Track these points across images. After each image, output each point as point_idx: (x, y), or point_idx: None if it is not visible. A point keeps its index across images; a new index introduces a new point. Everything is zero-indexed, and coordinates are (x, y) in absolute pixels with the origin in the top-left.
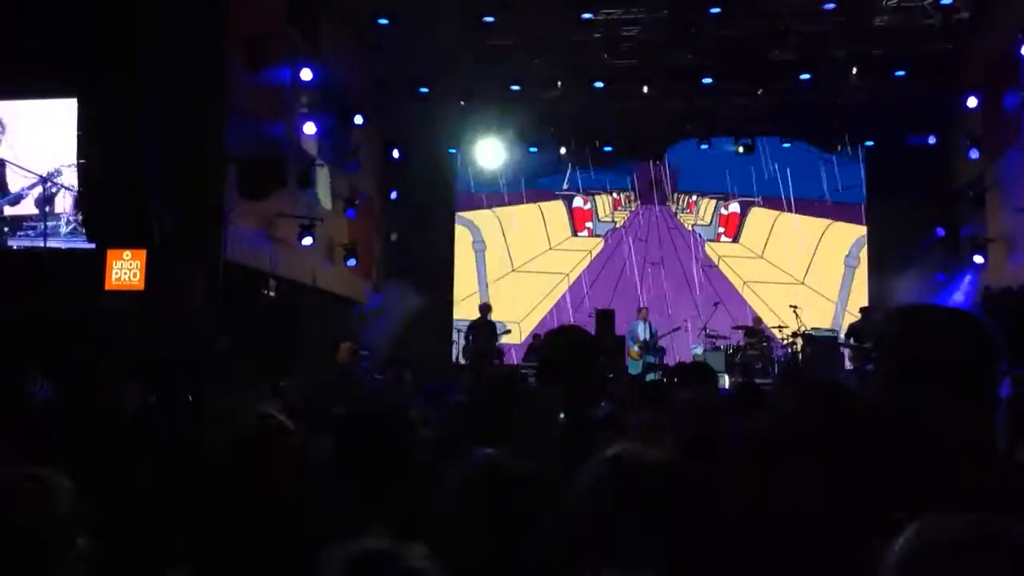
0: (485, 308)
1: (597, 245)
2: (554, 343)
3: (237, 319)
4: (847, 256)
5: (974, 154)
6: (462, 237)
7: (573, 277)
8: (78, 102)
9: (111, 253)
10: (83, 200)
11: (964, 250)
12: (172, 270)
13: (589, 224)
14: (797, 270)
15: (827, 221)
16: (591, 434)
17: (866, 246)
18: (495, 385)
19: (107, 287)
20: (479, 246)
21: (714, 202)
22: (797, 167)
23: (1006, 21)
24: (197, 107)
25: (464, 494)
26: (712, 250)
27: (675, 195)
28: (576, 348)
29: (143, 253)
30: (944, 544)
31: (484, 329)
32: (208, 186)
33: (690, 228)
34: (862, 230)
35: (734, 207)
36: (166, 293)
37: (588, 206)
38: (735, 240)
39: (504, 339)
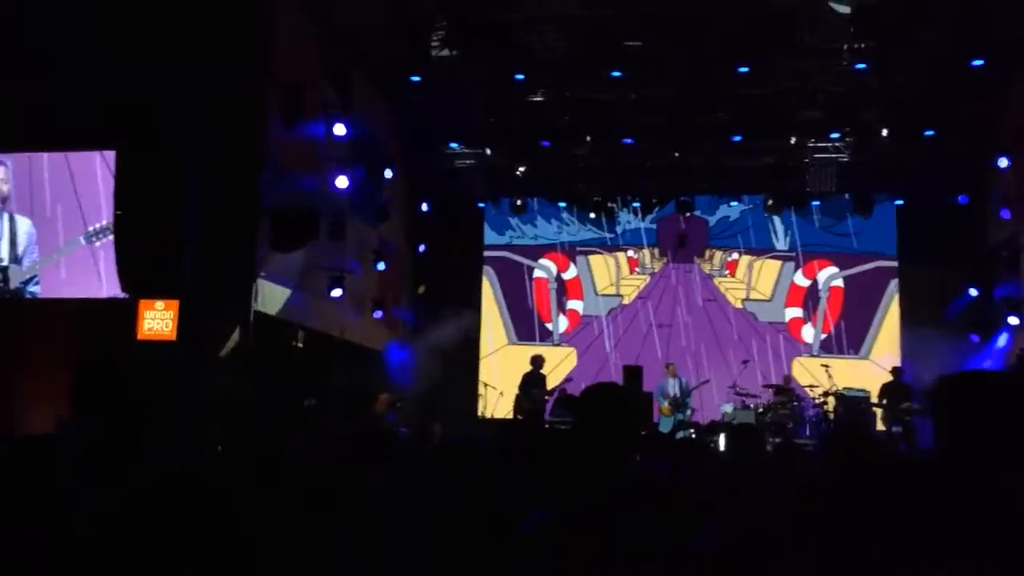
0: (539, 360)
1: (644, 282)
2: (591, 399)
3: (266, 370)
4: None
5: (1006, 214)
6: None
7: (595, 340)
8: (116, 154)
9: (143, 303)
10: (119, 250)
11: (998, 311)
12: (204, 320)
13: (638, 269)
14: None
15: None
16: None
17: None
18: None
19: (139, 336)
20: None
21: (721, 253)
22: (826, 224)
23: None
24: (234, 159)
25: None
26: (736, 300)
27: (705, 251)
28: (613, 404)
29: (175, 303)
30: None
31: (537, 382)
32: (241, 237)
33: (708, 272)
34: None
35: (734, 255)
36: (197, 343)
37: (637, 256)
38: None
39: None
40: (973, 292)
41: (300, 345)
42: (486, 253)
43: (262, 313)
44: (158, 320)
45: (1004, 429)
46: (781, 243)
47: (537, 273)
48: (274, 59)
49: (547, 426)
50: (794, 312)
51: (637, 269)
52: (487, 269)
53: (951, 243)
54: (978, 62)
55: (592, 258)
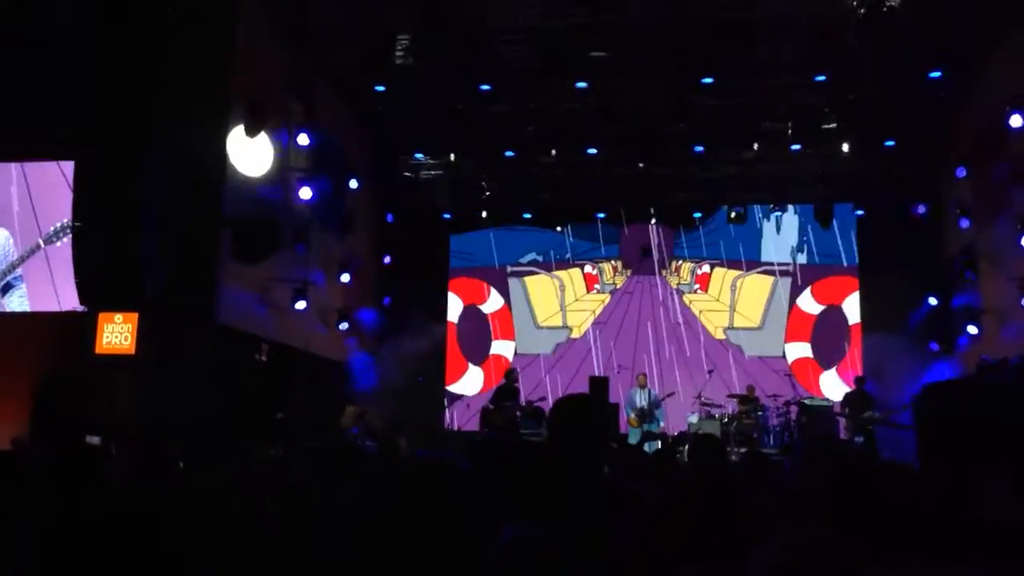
0: (513, 374)
1: (605, 300)
2: (564, 411)
3: (229, 383)
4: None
5: (964, 224)
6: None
7: (562, 352)
8: (75, 164)
9: (102, 316)
10: (77, 262)
11: (957, 320)
12: (164, 333)
13: (597, 286)
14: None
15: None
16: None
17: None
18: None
19: (98, 350)
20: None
21: (691, 264)
22: (789, 234)
23: (994, 93)
24: (195, 170)
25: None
26: (715, 328)
27: (671, 263)
28: (585, 416)
29: (135, 316)
30: None
31: (510, 396)
32: (202, 249)
33: (675, 286)
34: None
35: (705, 268)
36: (157, 357)
37: (595, 271)
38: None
39: None
40: (933, 301)
41: (264, 358)
42: (452, 265)
43: (224, 326)
44: (117, 334)
45: (986, 436)
46: (744, 254)
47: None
48: (236, 69)
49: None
50: (801, 350)
51: (596, 286)
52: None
53: (911, 252)
54: (936, 74)
55: (529, 281)
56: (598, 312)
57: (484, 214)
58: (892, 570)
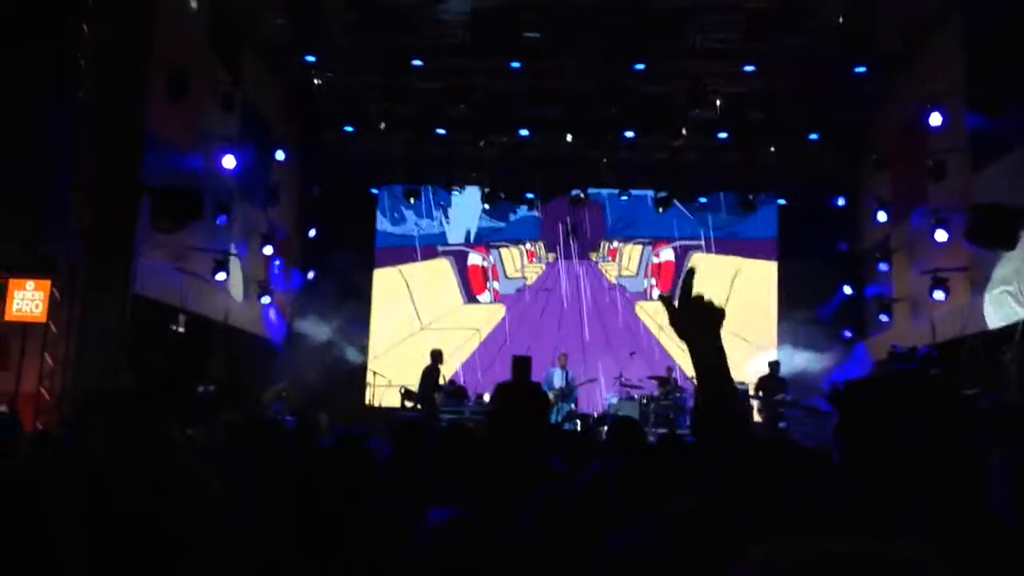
0: (437, 355)
1: (540, 270)
2: (505, 395)
3: (144, 354)
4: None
5: (882, 216)
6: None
7: (487, 330)
8: None
9: (12, 282)
10: None
11: (870, 309)
12: (77, 302)
13: (496, 284)
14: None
15: (740, 260)
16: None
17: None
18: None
19: (7, 317)
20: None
21: (640, 248)
22: (713, 219)
23: (915, 91)
24: (112, 133)
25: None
26: (611, 276)
27: (599, 243)
28: (526, 401)
29: (47, 283)
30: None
31: (434, 376)
32: (119, 216)
33: (614, 280)
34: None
35: (667, 255)
36: (70, 326)
37: (533, 248)
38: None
39: None
40: (847, 290)
41: (181, 330)
42: (378, 242)
43: (141, 296)
44: (28, 301)
45: (902, 427)
46: (669, 234)
47: (471, 262)
48: (159, 32)
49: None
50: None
51: (535, 259)
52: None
53: (828, 242)
54: (860, 69)
55: (502, 250)
56: (539, 273)
57: (412, 191)
58: (774, 545)
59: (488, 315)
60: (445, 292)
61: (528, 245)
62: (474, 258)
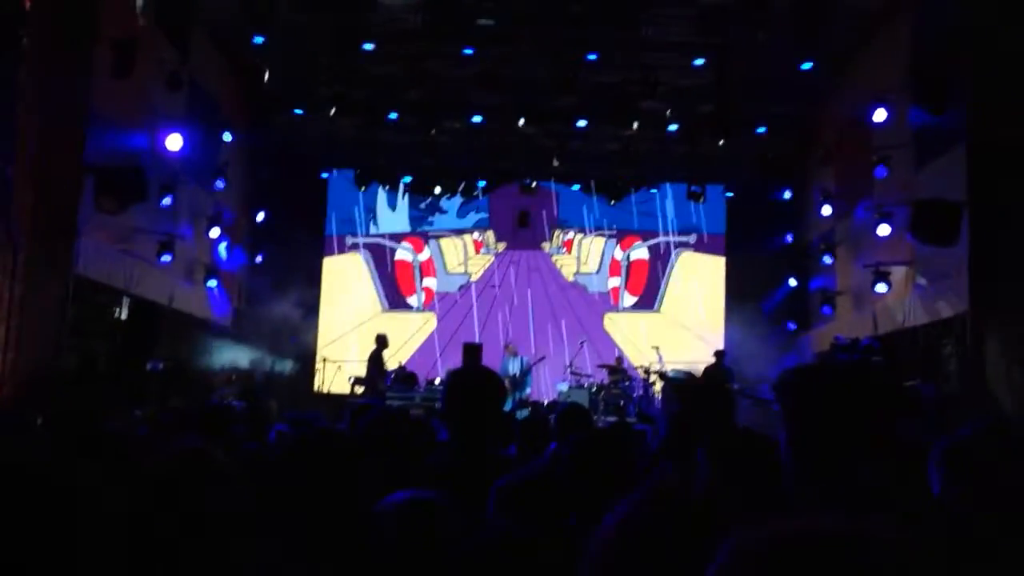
0: (382, 340)
1: (488, 261)
2: (460, 381)
3: (87, 337)
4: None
5: (826, 210)
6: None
7: (436, 316)
8: None
9: None
10: None
11: (814, 301)
12: (19, 283)
13: (483, 250)
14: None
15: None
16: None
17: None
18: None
19: None
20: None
21: (602, 241)
22: (665, 209)
23: (860, 88)
24: (55, 111)
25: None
26: (569, 274)
27: (552, 232)
28: (483, 387)
29: None
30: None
31: (378, 361)
32: (62, 196)
33: (572, 278)
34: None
35: (639, 253)
36: (12, 307)
37: (481, 238)
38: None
39: None
40: (793, 282)
41: (125, 312)
42: (328, 226)
43: (84, 277)
44: None
45: (847, 413)
46: (618, 224)
47: (400, 256)
48: (104, 11)
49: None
50: (615, 282)
51: (483, 250)
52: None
53: (775, 235)
54: (807, 65)
55: (442, 241)
56: (486, 266)
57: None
58: (765, 525)
59: (463, 280)
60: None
61: (476, 235)
62: (403, 253)
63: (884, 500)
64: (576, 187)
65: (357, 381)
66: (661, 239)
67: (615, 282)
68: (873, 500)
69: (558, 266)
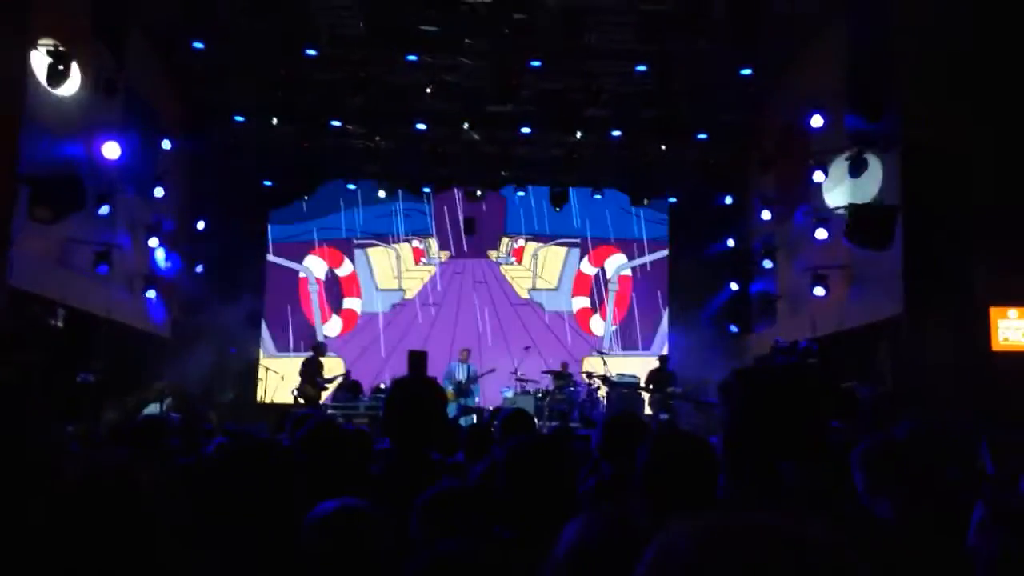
0: (321, 347)
1: (431, 272)
2: (401, 390)
3: (20, 350)
4: (609, 281)
5: (766, 215)
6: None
7: (382, 320)
8: None
9: None
10: None
11: (755, 305)
12: None
13: (423, 259)
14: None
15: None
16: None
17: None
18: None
19: None
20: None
21: (507, 240)
22: (610, 214)
23: (797, 94)
24: None
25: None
26: (514, 281)
27: (498, 240)
28: (423, 396)
29: None
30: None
31: (311, 370)
32: None
33: (527, 295)
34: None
35: (520, 242)
36: None
37: (422, 246)
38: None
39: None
40: (734, 286)
41: (60, 324)
42: (271, 234)
43: (17, 289)
44: None
45: (780, 415)
46: (567, 230)
47: (301, 275)
48: (37, 14)
49: (328, 412)
50: (582, 302)
51: (423, 259)
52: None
53: (717, 240)
54: (746, 71)
55: (371, 251)
56: (426, 279)
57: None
58: (693, 518)
59: (396, 298)
60: (364, 278)
61: (416, 243)
62: (383, 251)
63: (814, 500)
64: (520, 194)
65: (302, 391)
66: (649, 256)
67: (582, 302)
68: (802, 500)
69: (508, 278)
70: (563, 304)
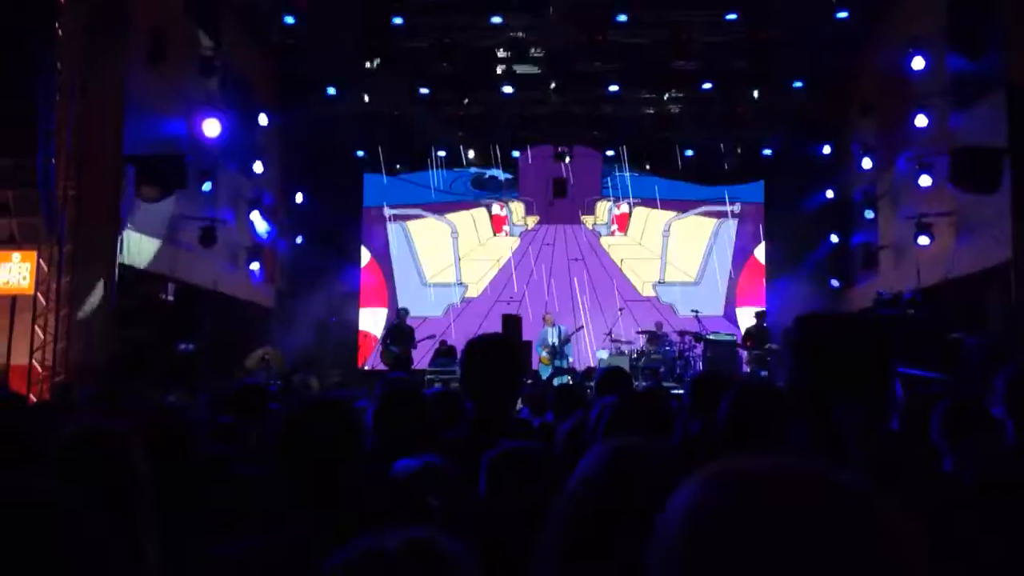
0: (404, 313)
1: (514, 244)
2: (476, 350)
3: (134, 324)
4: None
5: (867, 163)
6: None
7: (482, 285)
8: None
9: None
10: None
11: (856, 257)
12: (65, 273)
13: (506, 227)
14: (691, 268)
15: (715, 221)
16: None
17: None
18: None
19: None
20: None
21: (609, 203)
22: (700, 173)
23: (897, 36)
24: (94, 103)
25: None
26: (613, 250)
27: (585, 201)
28: (497, 355)
29: (33, 255)
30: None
31: (402, 334)
32: (104, 186)
33: (591, 228)
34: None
35: (624, 208)
36: (59, 298)
37: (504, 212)
38: (625, 234)
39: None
40: (834, 239)
41: (170, 298)
42: (365, 204)
43: (128, 266)
44: (15, 273)
45: (844, 362)
46: (657, 193)
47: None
48: (136, 0)
49: (426, 378)
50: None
51: (505, 228)
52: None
53: (814, 191)
54: (843, 15)
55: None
56: (504, 260)
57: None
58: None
59: (483, 270)
60: (446, 245)
61: (497, 208)
62: (494, 208)
63: (876, 449)
64: (609, 153)
65: (384, 356)
66: (705, 208)
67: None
68: (864, 447)
69: (616, 258)
70: (711, 306)
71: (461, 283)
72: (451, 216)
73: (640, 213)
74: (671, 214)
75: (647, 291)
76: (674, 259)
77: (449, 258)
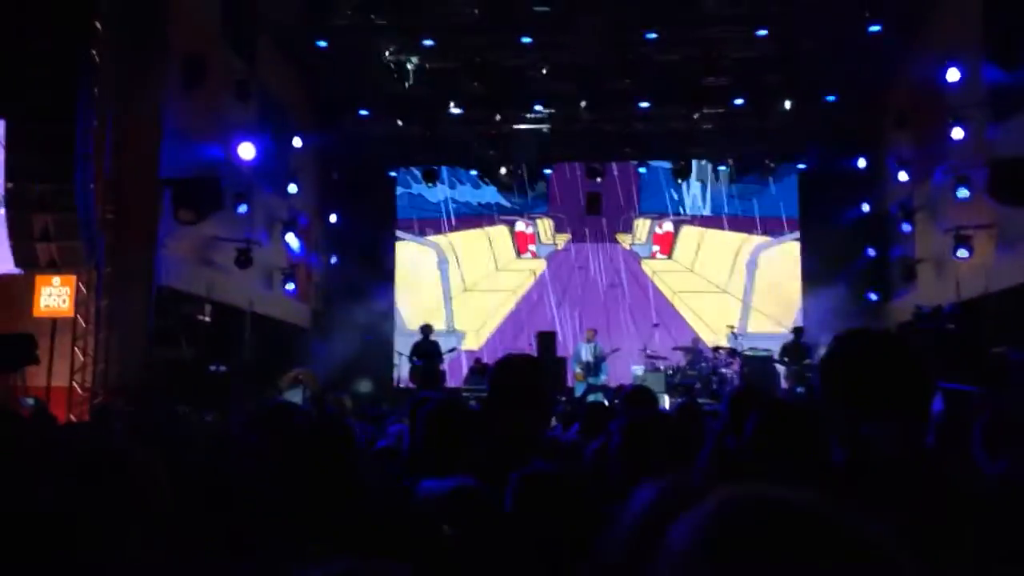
0: (427, 329)
1: (540, 267)
2: (503, 371)
3: (171, 345)
4: (748, 261)
5: (903, 176)
6: (406, 258)
7: (513, 302)
8: (6, 122)
9: (39, 278)
10: (11, 225)
11: (894, 271)
12: (104, 296)
13: (532, 247)
14: (724, 281)
15: (745, 236)
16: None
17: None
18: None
19: (35, 313)
20: (443, 265)
21: (649, 222)
22: (732, 188)
23: (932, 47)
24: (131, 128)
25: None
26: (647, 267)
27: (620, 219)
28: (525, 374)
29: (73, 279)
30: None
31: (427, 350)
32: (142, 209)
33: (628, 247)
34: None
35: (668, 226)
36: (98, 320)
37: (530, 230)
38: (669, 257)
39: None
40: (871, 252)
41: (207, 319)
42: (398, 223)
43: (166, 287)
44: (55, 296)
45: (876, 380)
46: (690, 209)
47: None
48: (172, 26)
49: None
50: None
51: (531, 247)
52: (402, 236)
53: (850, 205)
54: (875, 28)
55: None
56: (524, 289)
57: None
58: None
59: (514, 284)
60: (482, 260)
61: (522, 225)
62: (519, 225)
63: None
64: (642, 170)
65: (411, 374)
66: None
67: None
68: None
69: (660, 283)
70: (645, 252)
71: (453, 330)
72: (458, 236)
73: (690, 234)
74: (731, 236)
75: (719, 339)
76: (763, 303)
77: (488, 269)
